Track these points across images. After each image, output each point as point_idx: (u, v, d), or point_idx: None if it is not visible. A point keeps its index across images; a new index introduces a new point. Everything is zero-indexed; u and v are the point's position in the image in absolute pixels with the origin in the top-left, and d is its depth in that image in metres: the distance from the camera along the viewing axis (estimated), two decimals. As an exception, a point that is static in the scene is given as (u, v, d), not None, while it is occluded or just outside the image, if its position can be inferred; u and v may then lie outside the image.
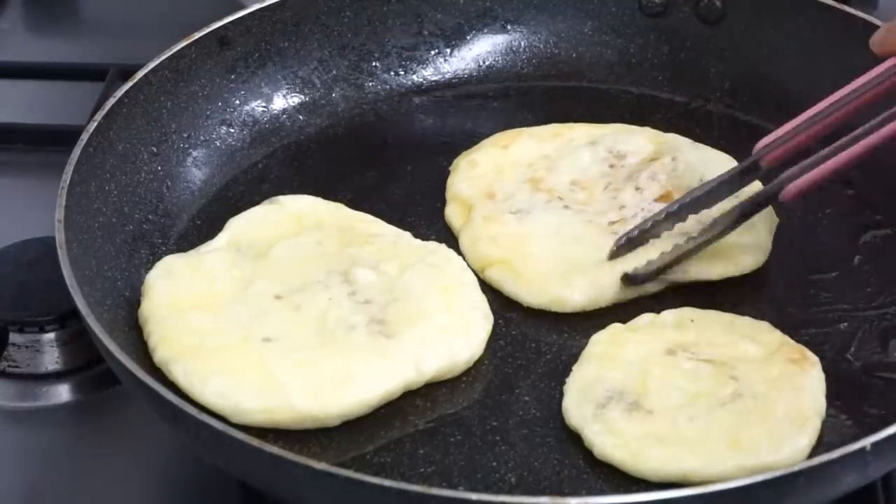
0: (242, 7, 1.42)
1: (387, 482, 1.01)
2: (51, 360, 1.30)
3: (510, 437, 1.14)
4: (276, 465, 1.03)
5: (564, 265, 1.23)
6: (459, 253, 1.26)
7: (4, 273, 1.33)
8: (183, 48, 1.37)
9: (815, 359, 1.16)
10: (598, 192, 1.30)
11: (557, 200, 1.29)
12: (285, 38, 1.43)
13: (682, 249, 1.22)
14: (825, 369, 1.16)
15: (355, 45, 1.46)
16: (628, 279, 1.22)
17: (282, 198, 1.30)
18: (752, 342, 1.17)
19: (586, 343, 1.19)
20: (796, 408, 1.12)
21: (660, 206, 1.26)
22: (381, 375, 1.14)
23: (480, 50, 1.49)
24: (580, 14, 1.49)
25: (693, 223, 1.24)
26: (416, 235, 1.28)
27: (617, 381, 1.14)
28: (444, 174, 1.35)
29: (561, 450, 1.13)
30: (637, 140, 1.34)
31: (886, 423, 1.06)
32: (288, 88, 1.43)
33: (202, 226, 1.32)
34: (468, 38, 1.49)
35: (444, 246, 1.26)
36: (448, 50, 1.48)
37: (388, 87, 1.46)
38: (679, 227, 1.24)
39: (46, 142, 1.52)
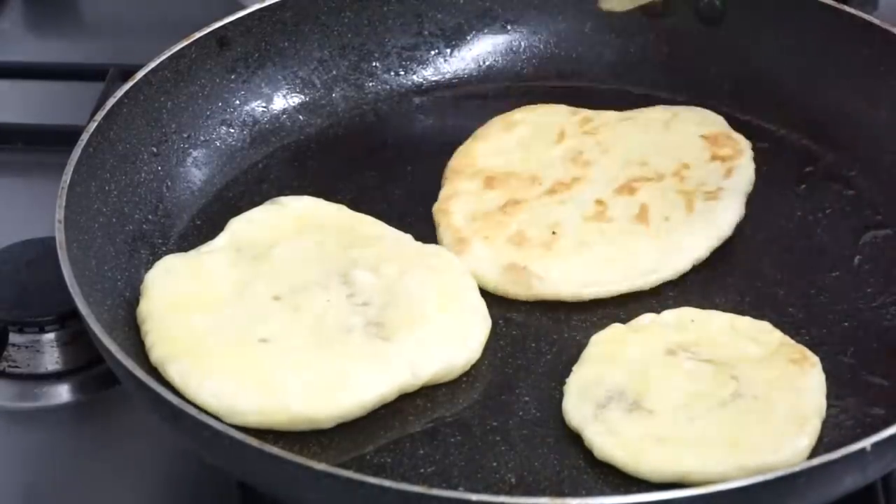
0: (242, 7, 1.42)
1: (387, 483, 1.01)
2: (51, 360, 1.30)
3: (510, 438, 1.14)
4: (276, 465, 1.03)
5: None
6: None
7: (4, 273, 1.33)
8: (183, 48, 1.37)
9: (815, 359, 1.16)
10: None
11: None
12: (285, 39, 1.43)
13: None
14: (825, 369, 1.16)
15: (355, 45, 1.46)
16: None
17: (283, 198, 1.30)
18: (753, 342, 1.17)
19: (586, 343, 1.19)
20: (796, 408, 1.12)
21: None
22: (377, 378, 1.14)
23: (481, 50, 1.49)
24: (580, 14, 1.49)
25: None
26: (415, 235, 1.28)
27: (617, 381, 1.14)
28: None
29: (561, 450, 1.12)
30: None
31: (887, 424, 1.06)
32: (288, 88, 1.43)
33: (202, 226, 1.32)
34: (468, 38, 1.49)
35: (444, 248, 1.26)
36: (448, 50, 1.48)
37: (388, 87, 1.46)
38: None
39: (46, 142, 1.52)
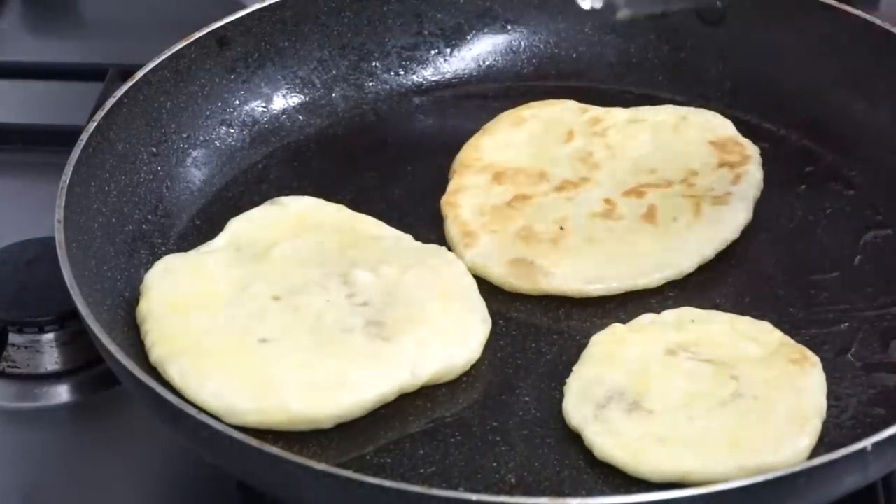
0: (242, 7, 1.42)
1: (387, 483, 1.01)
2: (50, 360, 1.30)
3: (510, 438, 1.13)
4: (275, 465, 1.03)
5: None
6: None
7: (4, 273, 1.33)
8: (182, 48, 1.37)
9: (815, 359, 1.16)
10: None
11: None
12: (285, 38, 1.43)
13: None
14: (826, 370, 1.16)
15: (355, 45, 1.46)
16: None
17: (283, 198, 1.30)
18: (753, 342, 1.17)
19: (586, 343, 1.19)
20: (797, 408, 1.12)
21: None
22: (376, 378, 1.14)
23: (481, 50, 1.49)
24: (580, 14, 1.49)
25: None
26: (415, 236, 1.28)
27: (617, 381, 1.14)
28: (445, 174, 1.35)
29: (561, 450, 1.12)
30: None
31: (887, 424, 1.06)
32: (288, 88, 1.43)
33: (202, 226, 1.32)
34: (468, 38, 1.49)
35: (444, 249, 1.26)
36: (448, 50, 1.48)
37: (388, 87, 1.46)
38: None
39: (46, 142, 1.52)
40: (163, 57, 1.36)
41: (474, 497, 1.00)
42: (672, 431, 1.10)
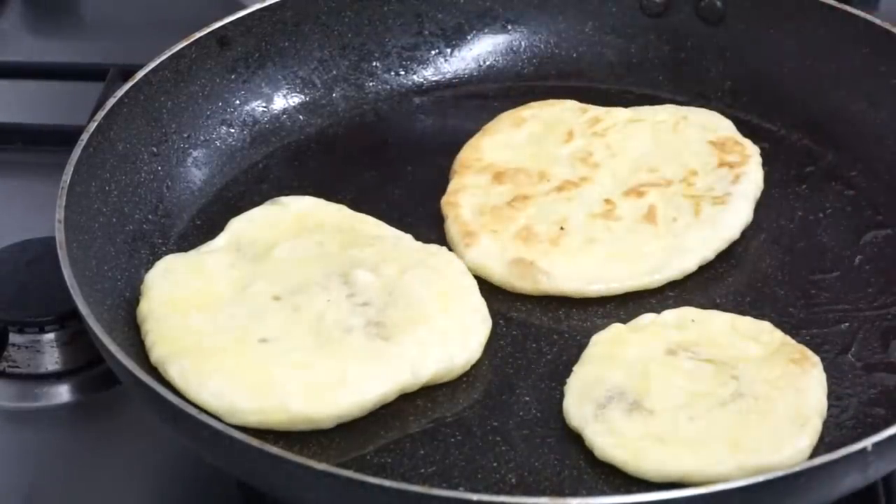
0: (242, 7, 1.42)
1: (387, 483, 1.01)
2: (51, 360, 1.30)
3: (511, 438, 1.13)
4: (276, 465, 1.03)
5: None
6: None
7: (4, 273, 1.33)
8: (183, 48, 1.37)
9: (815, 359, 1.16)
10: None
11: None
12: (285, 38, 1.43)
13: None
14: (826, 369, 1.16)
15: (356, 45, 1.46)
16: None
17: (283, 198, 1.30)
18: (753, 342, 1.17)
19: (587, 343, 1.19)
20: (797, 408, 1.12)
21: None
22: (376, 378, 1.14)
23: (481, 50, 1.49)
24: (581, 14, 1.49)
25: None
26: (415, 235, 1.28)
27: (617, 381, 1.14)
28: (445, 174, 1.35)
29: (561, 450, 1.12)
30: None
31: (887, 424, 1.06)
32: (288, 88, 1.43)
33: (202, 226, 1.32)
34: (469, 38, 1.49)
35: (444, 249, 1.26)
36: (448, 50, 1.48)
37: (388, 87, 1.46)
38: None
39: (46, 142, 1.52)
40: (163, 57, 1.36)
41: (475, 497, 1.00)
42: (672, 431, 1.10)
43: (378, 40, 1.47)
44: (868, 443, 1.03)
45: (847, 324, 1.22)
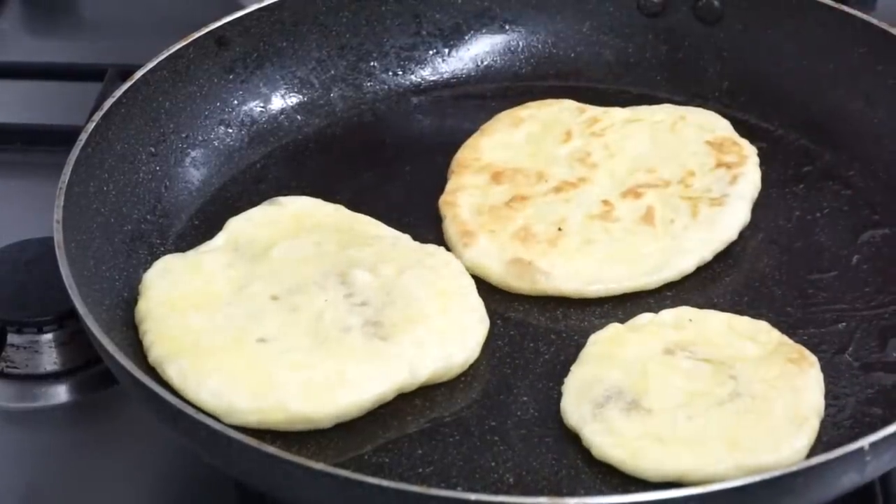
0: (241, 7, 1.42)
1: (385, 482, 1.01)
2: (49, 360, 1.30)
3: (508, 438, 1.14)
4: (274, 465, 1.03)
5: None
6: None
7: (3, 273, 1.33)
8: (181, 48, 1.37)
9: (813, 358, 1.16)
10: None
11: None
12: (283, 39, 1.43)
13: None
14: (823, 369, 1.16)
15: (353, 45, 1.46)
16: None
17: (281, 198, 1.30)
18: (751, 342, 1.18)
19: (584, 343, 1.19)
20: (795, 407, 1.12)
21: None
22: (374, 378, 1.14)
23: (479, 50, 1.49)
24: (578, 14, 1.49)
25: None
26: (413, 235, 1.28)
27: (615, 380, 1.14)
28: (443, 174, 1.35)
29: (559, 450, 1.12)
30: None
31: (885, 423, 1.06)
32: (286, 88, 1.43)
33: (200, 226, 1.32)
34: (466, 38, 1.49)
35: (442, 249, 1.26)
36: (446, 50, 1.48)
37: (386, 87, 1.46)
38: None
39: (45, 142, 1.52)
40: (161, 57, 1.36)
41: (473, 497, 1.00)
42: (670, 431, 1.10)
43: (376, 40, 1.47)
44: (865, 442, 1.03)
45: (844, 323, 1.22)
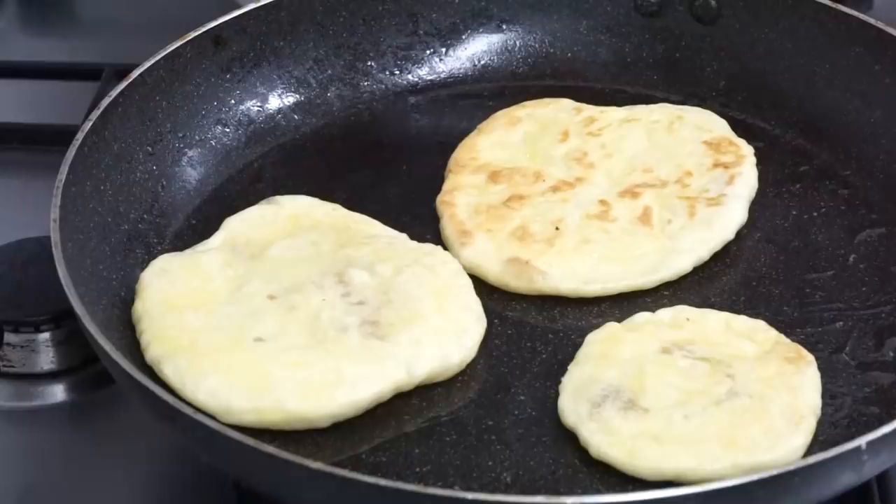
0: (238, 7, 1.42)
1: (382, 481, 1.01)
2: (46, 359, 1.30)
3: (506, 437, 1.14)
4: (271, 464, 1.03)
5: None
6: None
7: (0, 273, 1.33)
8: (178, 48, 1.37)
9: (810, 357, 1.16)
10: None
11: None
12: (280, 38, 1.43)
13: None
14: (821, 368, 1.16)
15: (350, 44, 1.46)
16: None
17: (278, 198, 1.30)
18: (748, 341, 1.18)
19: (582, 342, 1.19)
20: (792, 406, 1.12)
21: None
22: (372, 377, 1.14)
23: (476, 49, 1.49)
24: (575, 13, 1.49)
25: None
26: (411, 235, 1.28)
27: (612, 379, 1.14)
28: (440, 173, 1.35)
29: (557, 449, 1.13)
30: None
31: (882, 422, 1.06)
32: (283, 88, 1.43)
33: (197, 225, 1.32)
34: (463, 37, 1.49)
35: (439, 248, 1.26)
36: (443, 49, 1.48)
37: (383, 86, 1.46)
38: None
39: (42, 141, 1.52)
40: (158, 56, 1.36)
41: (470, 496, 1.00)
42: (667, 430, 1.10)
43: (373, 40, 1.47)
44: (862, 441, 1.03)
45: (841, 322, 1.22)
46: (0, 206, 1.48)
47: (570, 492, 1.09)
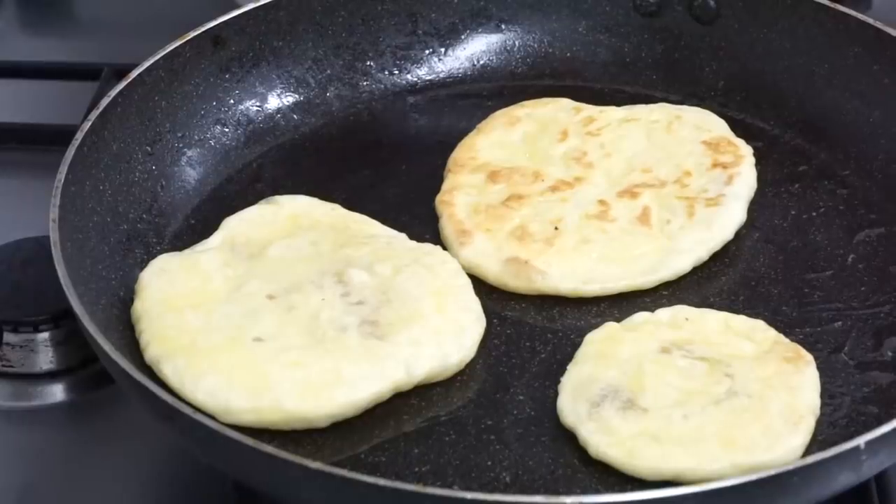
0: (237, 6, 1.42)
1: (381, 481, 1.01)
2: (45, 359, 1.30)
3: (505, 437, 1.14)
4: (270, 464, 1.03)
5: None
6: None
7: (-1, 273, 1.33)
8: (177, 47, 1.37)
9: (809, 357, 1.16)
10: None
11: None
12: (280, 38, 1.43)
13: None
14: (819, 368, 1.16)
15: (350, 44, 1.46)
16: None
17: (277, 197, 1.30)
18: (747, 341, 1.18)
19: (581, 342, 1.19)
20: (791, 406, 1.12)
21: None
22: (371, 377, 1.14)
23: (475, 49, 1.49)
24: (574, 13, 1.49)
25: None
26: (410, 235, 1.28)
27: (611, 379, 1.14)
28: (439, 173, 1.35)
29: (556, 449, 1.13)
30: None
31: (880, 422, 1.06)
32: (282, 88, 1.43)
33: (197, 225, 1.32)
34: (462, 37, 1.49)
35: (438, 248, 1.26)
36: (442, 49, 1.48)
37: (382, 86, 1.46)
38: None
39: (41, 141, 1.52)
40: (157, 56, 1.36)
41: (469, 496, 1.00)
42: (666, 429, 1.10)
43: (372, 39, 1.47)
44: (861, 441, 1.04)
45: (840, 322, 1.22)
46: (-1, 206, 1.48)
47: (569, 491, 1.09)
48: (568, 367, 1.17)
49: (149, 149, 1.34)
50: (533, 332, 1.22)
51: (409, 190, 1.35)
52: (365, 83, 1.46)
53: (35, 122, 1.55)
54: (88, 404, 1.29)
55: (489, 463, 1.12)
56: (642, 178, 1.32)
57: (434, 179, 1.35)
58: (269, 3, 1.42)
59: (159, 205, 1.32)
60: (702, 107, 1.41)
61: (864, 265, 1.27)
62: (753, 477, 1.01)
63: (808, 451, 1.10)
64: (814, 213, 1.32)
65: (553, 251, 1.25)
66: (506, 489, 1.10)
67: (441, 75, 1.48)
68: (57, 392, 1.29)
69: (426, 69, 1.48)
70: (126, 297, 1.22)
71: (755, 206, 1.31)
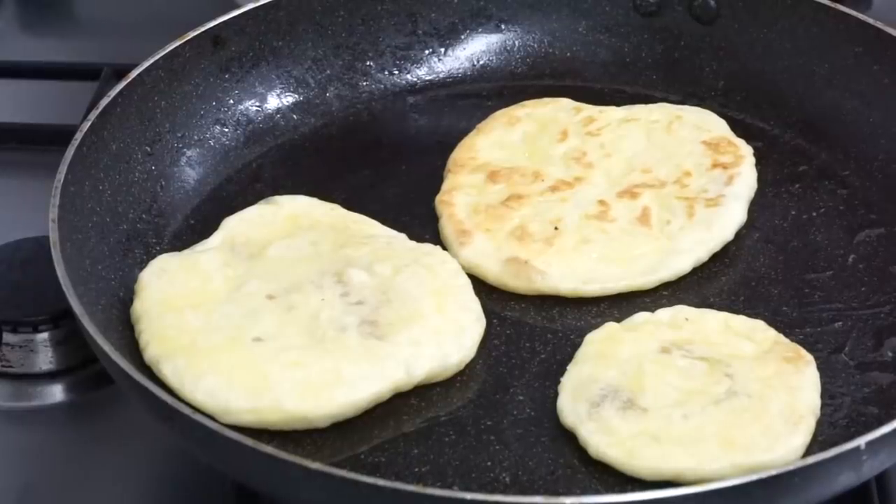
0: (236, 7, 1.42)
1: (381, 482, 1.01)
2: (45, 359, 1.30)
3: (505, 437, 1.14)
4: (270, 464, 1.03)
5: None
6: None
7: (-2, 273, 1.33)
8: (177, 48, 1.37)
9: (809, 357, 1.16)
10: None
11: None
12: (279, 38, 1.43)
13: None
14: (820, 368, 1.16)
15: (349, 44, 1.46)
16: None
17: (277, 198, 1.30)
18: (747, 341, 1.18)
19: (581, 342, 1.19)
20: (791, 406, 1.12)
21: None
22: (370, 377, 1.14)
23: (475, 49, 1.49)
24: (574, 13, 1.49)
25: None
26: (410, 235, 1.28)
27: (611, 379, 1.14)
28: (439, 173, 1.35)
29: (555, 449, 1.13)
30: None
31: (881, 422, 1.06)
32: (282, 88, 1.43)
33: (196, 225, 1.32)
34: (462, 37, 1.49)
35: (438, 248, 1.26)
36: (442, 49, 1.48)
37: (382, 86, 1.46)
38: None
39: (40, 141, 1.52)
40: (157, 56, 1.36)
41: (469, 496, 1.00)
42: (666, 430, 1.10)
43: (372, 40, 1.47)
44: (861, 441, 1.04)
45: (840, 322, 1.22)
46: (-1, 206, 1.48)
47: (569, 492, 1.09)
48: (568, 368, 1.17)
49: (148, 149, 1.34)
50: (533, 332, 1.22)
51: (409, 190, 1.35)
52: (365, 83, 1.46)
53: (35, 122, 1.55)
54: (88, 404, 1.29)
55: (489, 463, 1.12)
56: (642, 178, 1.32)
57: (434, 179, 1.35)
58: (269, 3, 1.42)
59: (159, 205, 1.32)
60: (702, 107, 1.41)
61: (865, 265, 1.27)
62: (753, 477, 1.01)
63: (809, 451, 1.10)
64: (814, 214, 1.32)
65: (553, 251, 1.25)
66: (506, 489, 1.10)
67: (441, 75, 1.48)
68: (56, 392, 1.29)
69: (426, 69, 1.48)
70: (126, 298, 1.22)
71: (755, 207, 1.31)
